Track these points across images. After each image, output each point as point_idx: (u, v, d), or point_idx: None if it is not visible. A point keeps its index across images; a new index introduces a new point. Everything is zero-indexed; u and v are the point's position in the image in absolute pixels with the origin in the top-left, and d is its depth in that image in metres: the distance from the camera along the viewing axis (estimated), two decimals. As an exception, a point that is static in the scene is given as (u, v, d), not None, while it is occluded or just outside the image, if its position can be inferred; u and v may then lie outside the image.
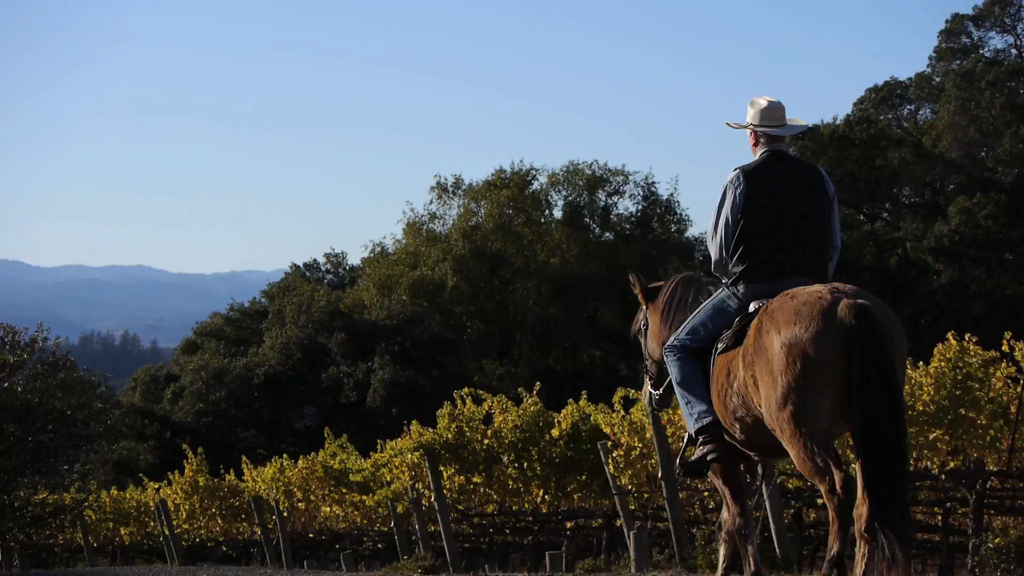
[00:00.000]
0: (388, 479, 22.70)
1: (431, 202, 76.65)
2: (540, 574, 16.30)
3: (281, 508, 27.18)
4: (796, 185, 8.72)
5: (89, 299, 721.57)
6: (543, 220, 74.67)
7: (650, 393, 9.84)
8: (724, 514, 9.13)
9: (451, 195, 76.18)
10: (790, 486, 14.91)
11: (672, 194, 76.50)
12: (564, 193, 75.09)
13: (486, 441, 20.49)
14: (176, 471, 34.02)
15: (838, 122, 71.39)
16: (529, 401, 20.27)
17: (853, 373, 7.50)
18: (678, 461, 9.16)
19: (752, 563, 8.86)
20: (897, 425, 7.49)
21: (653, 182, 75.59)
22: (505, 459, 20.21)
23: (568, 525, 20.66)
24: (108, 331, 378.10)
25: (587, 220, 73.88)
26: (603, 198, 74.91)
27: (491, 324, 71.47)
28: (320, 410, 71.28)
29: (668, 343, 9.11)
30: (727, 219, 8.73)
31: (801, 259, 8.64)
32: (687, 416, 8.89)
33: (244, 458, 33.27)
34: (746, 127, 9.03)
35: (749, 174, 8.75)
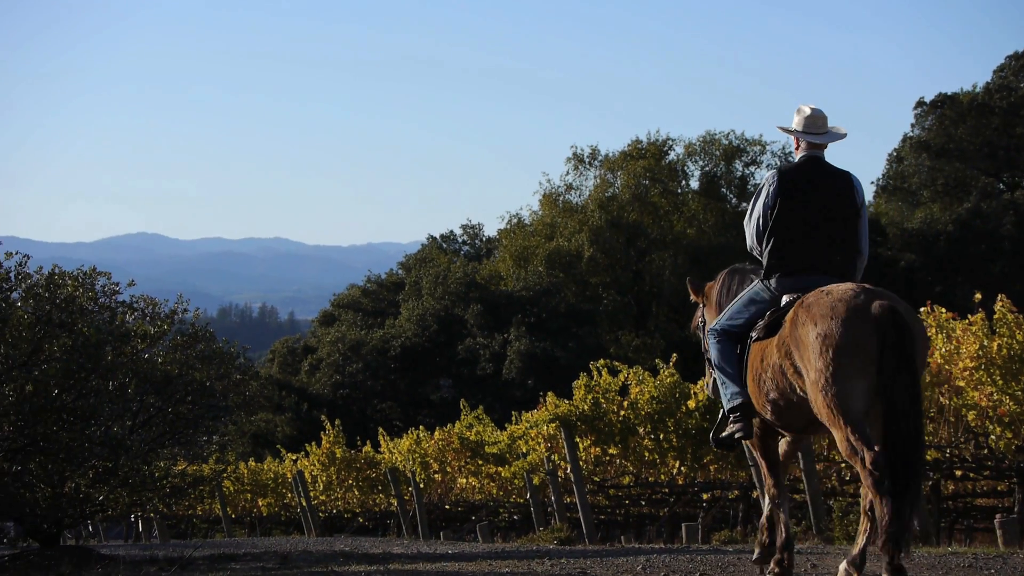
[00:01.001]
0: (524, 451, 22.65)
1: (567, 173, 76.53)
2: (676, 545, 16.17)
3: (417, 480, 27.25)
4: (827, 190, 9.37)
5: (227, 271, 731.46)
6: (679, 190, 74.18)
7: (712, 384, 10.22)
8: (766, 482, 9.80)
9: (587, 166, 75.96)
10: (928, 458, 14.61)
11: (810, 164, 75.35)
12: (701, 163, 74.60)
13: (622, 412, 20.35)
14: (313, 443, 34.31)
15: (977, 90, 70.10)
16: (665, 372, 20.08)
17: (884, 366, 8.11)
18: (711, 435, 9.94)
19: (784, 530, 9.53)
20: (917, 416, 8.10)
21: (790, 152, 74.32)
22: (641, 430, 20.06)
23: (704, 497, 20.48)
24: (246, 303, 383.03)
25: (724, 190, 73.30)
26: (740, 168, 74.31)
27: (627, 295, 71.19)
28: (456, 382, 71.52)
29: (709, 327, 9.90)
30: (760, 213, 9.49)
31: (828, 258, 9.30)
32: (722, 395, 9.61)
33: (380, 430, 33.41)
34: (791, 132, 9.69)
35: (783, 175, 9.45)
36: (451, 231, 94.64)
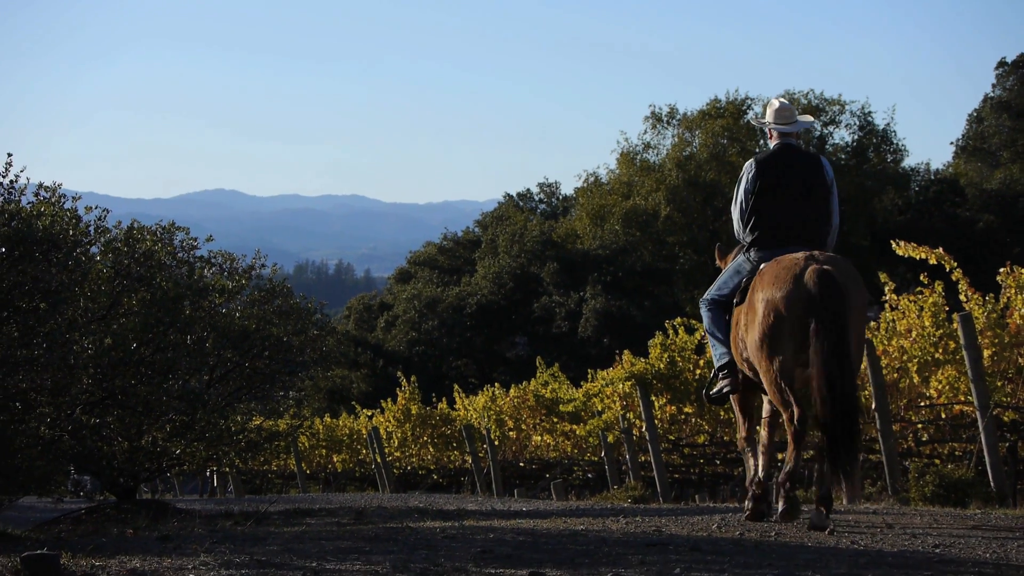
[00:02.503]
0: (599, 409, 22.61)
1: (645, 132, 76.10)
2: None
3: (492, 437, 27.28)
4: (799, 172, 10.53)
5: (304, 228, 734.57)
6: (757, 150, 73.62)
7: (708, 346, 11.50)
8: (740, 434, 11.20)
9: (665, 125, 75.53)
10: (1005, 419, 14.45)
11: (889, 123, 74.45)
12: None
13: (698, 371, 20.27)
14: (388, 399, 34.42)
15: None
16: (741, 331, 19.97)
17: (812, 327, 9.28)
18: (704, 392, 11.48)
19: (752, 471, 10.87)
20: (845, 373, 9.17)
21: (870, 111, 73.91)
22: (717, 389, 19.98)
23: (779, 456, 20.37)
24: (322, 260, 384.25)
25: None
26: (818, 128, 73.61)
27: (703, 254, 70.79)
28: (531, 339, 71.64)
29: (702, 297, 11.25)
30: (742, 199, 10.66)
31: (800, 232, 10.40)
32: (713, 356, 10.96)
33: (456, 387, 33.49)
34: (764, 124, 10.99)
35: (760, 163, 10.65)
36: (528, 189, 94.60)
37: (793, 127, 10.80)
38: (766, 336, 9.63)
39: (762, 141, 73.68)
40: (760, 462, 10.74)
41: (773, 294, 9.58)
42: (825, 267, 9.43)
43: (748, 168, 10.68)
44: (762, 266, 10.20)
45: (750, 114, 73.28)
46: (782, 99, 10.99)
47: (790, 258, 9.75)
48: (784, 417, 9.73)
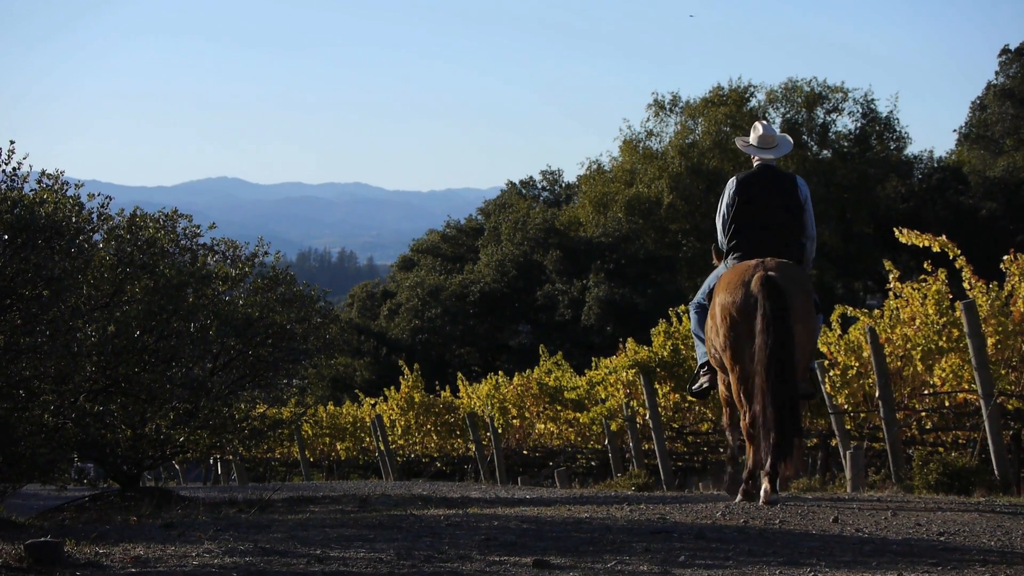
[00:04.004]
0: (603, 396, 22.61)
1: (648, 119, 76.12)
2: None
3: (496, 425, 27.29)
4: (775, 190, 11.53)
5: (306, 216, 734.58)
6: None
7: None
8: (724, 419, 12.25)
9: (668, 112, 75.53)
10: (1009, 407, 14.44)
11: (892, 111, 74.45)
12: (782, 110, 73.92)
13: (701, 360, 20.26)
14: (392, 387, 34.41)
15: None
16: (744, 320, 19.96)
17: (758, 326, 10.35)
18: (688, 387, 12.92)
19: (730, 451, 12.43)
20: (785, 366, 10.23)
21: (872, 99, 73.94)
22: (721, 377, 19.99)
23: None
24: (325, 248, 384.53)
25: (805, 138, 72.52)
26: (821, 115, 73.57)
27: (706, 242, 70.68)
28: (535, 327, 71.66)
29: (691, 302, 12.45)
30: (724, 212, 11.67)
31: (773, 243, 11.29)
32: (697, 354, 12.21)
33: (459, 375, 33.48)
34: (746, 146, 12.09)
35: (741, 181, 11.67)
36: (530, 177, 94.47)
37: (774, 152, 11.95)
38: (727, 340, 10.82)
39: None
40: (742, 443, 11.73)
41: (725, 299, 10.79)
42: (770, 273, 10.54)
43: (730, 185, 11.70)
44: (722, 273, 11.40)
45: (752, 101, 73.28)
46: (764, 123, 12.21)
47: (743, 265, 10.95)
48: (741, 412, 10.96)
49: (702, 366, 12.05)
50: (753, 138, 12.05)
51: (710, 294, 11.57)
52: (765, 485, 10.78)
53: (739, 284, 10.68)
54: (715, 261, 12.35)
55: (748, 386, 10.62)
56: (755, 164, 11.91)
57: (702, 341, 11.83)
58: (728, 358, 10.86)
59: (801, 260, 11.51)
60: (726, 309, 10.75)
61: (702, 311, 11.84)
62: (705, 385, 12.14)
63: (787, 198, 11.51)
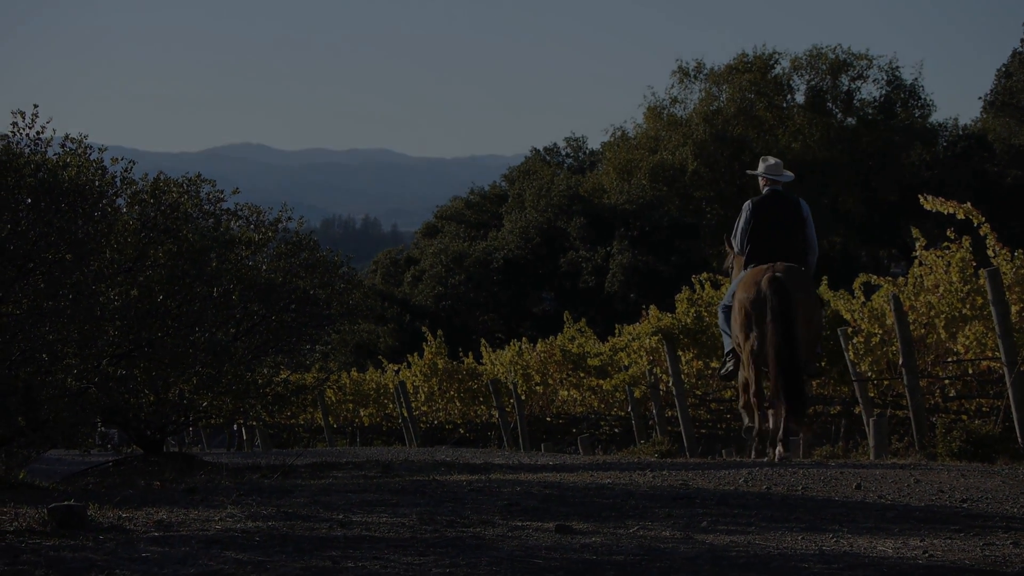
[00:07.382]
0: (626, 363, 22.60)
1: (672, 86, 75.63)
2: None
3: (519, 391, 27.30)
4: (783, 211, 13.93)
5: (330, 183, 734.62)
6: (785, 105, 73.19)
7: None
8: (739, 403, 14.72)
9: (692, 79, 75.12)
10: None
11: (916, 79, 74.01)
12: (807, 78, 73.49)
13: (726, 327, 20.24)
14: (415, 353, 34.45)
15: None
16: (767, 286, 19.92)
17: (767, 318, 12.77)
18: (717, 371, 16.09)
19: (746, 420, 14.46)
20: (792, 350, 12.70)
21: (897, 67, 73.40)
22: (744, 344, 19.95)
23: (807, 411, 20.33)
24: (349, 215, 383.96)
25: (829, 105, 72.16)
26: (846, 83, 73.14)
27: (730, 209, 70.45)
28: (558, 294, 71.62)
29: (718, 305, 14.87)
30: (742, 229, 13.98)
31: (783, 253, 13.58)
32: (724, 344, 14.38)
33: (483, 341, 33.48)
34: (758, 174, 14.30)
35: (755, 204, 14.01)
36: (554, 144, 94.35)
37: (781, 177, 14.20)
38: (742, 327, 13.29)
39: (789, 96, 73.46)
40: (755, 416, 14.14)
41: (742, 295, 13.27)
42: (777, 274, 12.93)
43: (747, 207, 14.06)
44: (743, 275, 13.67)
45: (777, 68, 72.94)
46: (772, 157, 14.65)
47: (757, 269, 13.35)
48: (752, 390, 13.57)
49: (728, 353, 14.20)
50: (763, 168, 14.28)
51: (733, 296, 13.74)
52: (779, 447, 13.23)
53: (752, 283, 13.14)
54: (727, 250, 14.84)
55: (756, 361, 13.17)
56: (764, 190, 14.17)
57: (728, 336, 14.05)
58: (743, 338, 13.29)
59: (804, 265, 13.73)
60: (743, 303, 13.22)
61: (727, 311, 13.90)
62: (731, 368, 14.24)
63: (792, 217, 13.90)
